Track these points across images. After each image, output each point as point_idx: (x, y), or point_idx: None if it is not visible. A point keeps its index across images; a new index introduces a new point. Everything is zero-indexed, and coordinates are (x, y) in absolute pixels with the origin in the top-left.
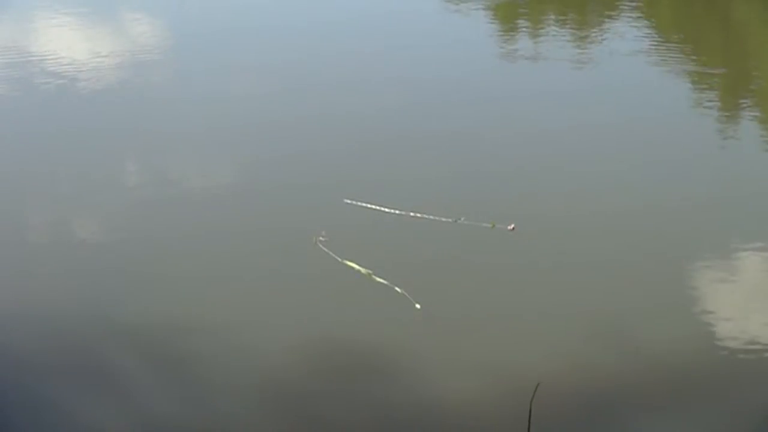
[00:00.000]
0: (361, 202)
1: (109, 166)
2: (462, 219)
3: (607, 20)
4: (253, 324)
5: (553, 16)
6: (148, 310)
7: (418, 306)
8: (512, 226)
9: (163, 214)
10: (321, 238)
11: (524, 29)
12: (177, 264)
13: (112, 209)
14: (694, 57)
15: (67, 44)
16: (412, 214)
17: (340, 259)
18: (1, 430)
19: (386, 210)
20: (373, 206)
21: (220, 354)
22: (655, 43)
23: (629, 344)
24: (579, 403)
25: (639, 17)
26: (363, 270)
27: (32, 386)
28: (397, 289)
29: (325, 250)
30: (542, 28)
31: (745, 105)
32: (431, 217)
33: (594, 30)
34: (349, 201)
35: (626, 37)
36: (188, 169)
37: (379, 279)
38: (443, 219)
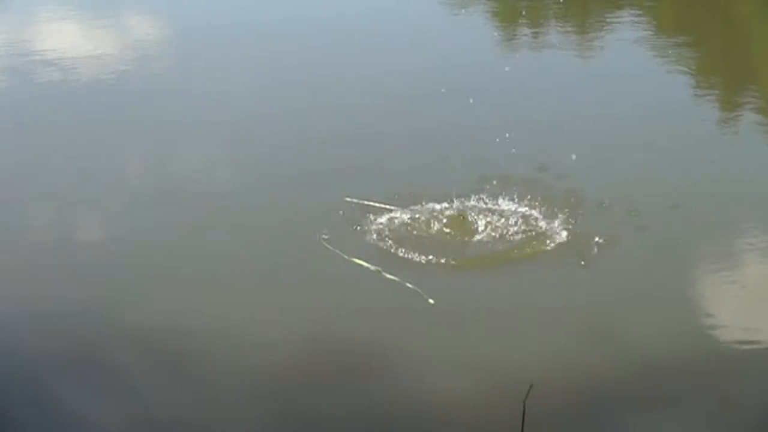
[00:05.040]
0: (363, 199)
1: (110, 163)
2: (465, 215)
3: (607, 19)
4: (259, 323)
5: (553, 13)
6: (151, 307)
7: (431, 301)
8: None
9: (164, 211)
10: (324, 236)
11: (525, 27)
12: (178, 262)
13: (111, 206)
14: (695, 55)
15: (67, 40)
16: (414, 209)
17: (347, 257)
18: (3, 428)
19: (388, 207)
20: (375, 203)
21: (224, 352)
22: (656, 40)
23: (623, 343)
24: (574, 403)
25: (640, 15)
26: (372, 267)
27: (33, 384)
28: (409, 285)
29: (330, 247)
30: (543, 27)
31: (746, 102)
32: (433, 214)
33: (594, 29)
34: (350, 199)
35: (627, 36)
36: (189, 165)
37: (388, 275)
38: (444, 216)
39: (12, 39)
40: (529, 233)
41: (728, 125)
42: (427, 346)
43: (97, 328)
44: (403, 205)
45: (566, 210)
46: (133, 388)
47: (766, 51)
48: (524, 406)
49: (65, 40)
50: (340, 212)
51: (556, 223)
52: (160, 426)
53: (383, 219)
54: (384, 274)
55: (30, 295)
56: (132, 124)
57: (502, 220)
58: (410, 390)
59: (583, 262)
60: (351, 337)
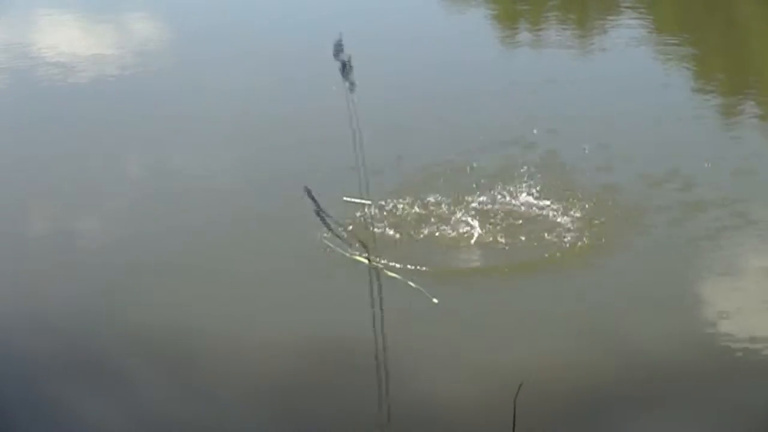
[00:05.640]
0: (361, 199)
1: (110, 162)
2: (464, 213)
3: (608, 18)
4: (260, 322)
5: (555, 14)
6: (152, 306)
7: (435, 300)
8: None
9: (164, 210)
10: (324, 235)
11: (525, 29)
12: (178, 261)
13: (111, 206)
14: (695, 53)
15: (68, 39)
16: (413, 209)
17: (348, 254)
18: (3, 428)
19: (386, 207)
20: (373, 202)
21: (224, 352)
22: (656, 39)
23: (616, 342)
24: (565, 401)
25: (641, 15)
26: (373, 265)
27: (34, 384)
28: (411, 283)
29: (331, 245)
30: (543, 27)
31: (747, 100)
32: (431, 213)
33: (595, 27)
34: (347, 198)
35: (628, 34)
36: (188, 164)
37: (390, 273)
38: (441, 214)
39: (12, 39)
40: (535, 229)
41: (732, 124)
42: (427, 344)
43: (96, 328)
44: (403, 203)
45: (568, 208)
46: (132, 388)
47: (765, 49)
48: (515, 405)
49: (65, 40)
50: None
51: (562, 219)
52: (159, 426)
53: (379, 217)
54: (386, 272)
55: (29, 295)
56: (132, 123)
57: (506, 217)
58: (405, 389)
59: (580, 261)
60: (349, 337)
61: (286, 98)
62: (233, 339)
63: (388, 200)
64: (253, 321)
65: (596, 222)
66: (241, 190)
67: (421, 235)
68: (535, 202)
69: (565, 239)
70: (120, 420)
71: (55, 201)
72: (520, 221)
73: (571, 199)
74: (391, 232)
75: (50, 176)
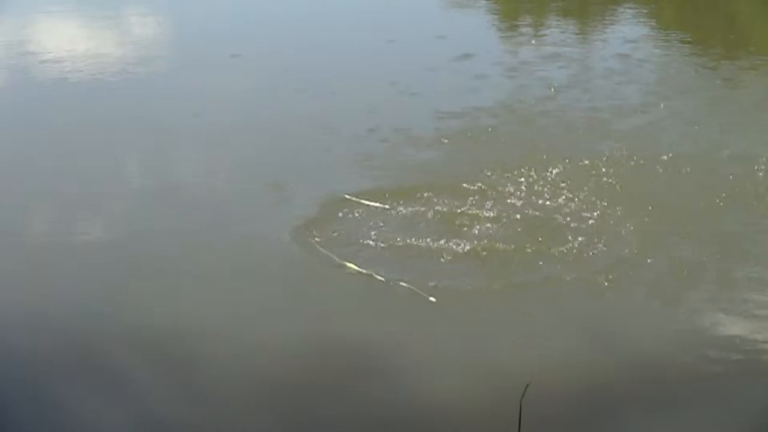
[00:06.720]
0: (362, 198)
1: (109, 163)
2: (464, 211)
3: (609, 16)
4: (257, 323)
5: (555, 15)
6: (149, 308)
7: (432, 299)
8: None
9: (163, 211)
10: (316, 239)
11: (526, 24)
12: (177, 262)
13: (109, 207)
14: (696, 51)
15: (67, 40)
16: (412, 210)
17: (338, 260)
18: (3, 428)
19: (386, 206)
20: (374, 203)
21: (223, 354)
22: (657, 36)
23: (620, 343)
24: (571, 402)
25: (641, 13)
26: (363, 270)
27: (34, 384)
28: (403, 284)
29: (323, 250)
30: (545, 26)
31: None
32: (430, 213)
33: (596, 25)
34: (348, 196)
35: (628, 32)
36: (187, 164)
37: (378, 276)
38: (441, 213)
39: (12, 38)
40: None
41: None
42: (426, 345)
43: (95, 329)
44: (403, 202)
45: (577, 207)
46: (132, 389)
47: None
48: (521, 406)
49: (65, 39)
50: (340, 210)
51: (569, 220)
52: (158, 426)
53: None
54: (376, 276)
55: (29, 296)
56: (131, 123)
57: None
58: (409, 390)
59: (586, 259)
60: (349, 338)
61: (286, 100)
62: (233, 340)
63: (387, 202)
64: (253, 322)
65: (607, 222)
66: (242, 191)
67: (411, 239)
68: (541, 202)
69: (576, 238)
70: (119, 420)
71: (53, 201)
72: (519, 216)
73: (580, 198)
74: (378, 243)
75: (49, 176)
